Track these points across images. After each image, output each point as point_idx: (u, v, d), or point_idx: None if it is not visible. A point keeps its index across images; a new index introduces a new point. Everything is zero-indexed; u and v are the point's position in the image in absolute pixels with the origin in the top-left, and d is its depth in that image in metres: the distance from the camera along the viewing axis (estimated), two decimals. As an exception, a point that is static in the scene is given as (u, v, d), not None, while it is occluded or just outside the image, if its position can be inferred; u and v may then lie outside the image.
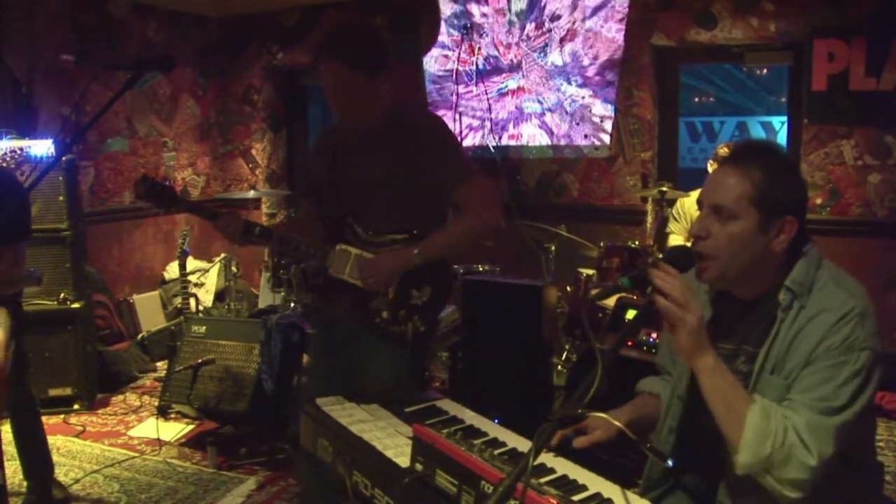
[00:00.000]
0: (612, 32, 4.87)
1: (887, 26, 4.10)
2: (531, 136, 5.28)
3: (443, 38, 5.45)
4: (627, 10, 4.79)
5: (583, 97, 5.04)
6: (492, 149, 5.27)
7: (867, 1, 4.16)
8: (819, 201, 4.44)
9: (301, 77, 6.46)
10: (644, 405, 1.81)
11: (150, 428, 3.76)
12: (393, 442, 1.65)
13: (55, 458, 3.26)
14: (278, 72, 6.35)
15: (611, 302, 3.55)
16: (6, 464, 2.78)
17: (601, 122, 5.01)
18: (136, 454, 3.56)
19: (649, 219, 4.71)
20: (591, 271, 4.26)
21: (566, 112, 5.12)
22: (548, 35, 5.10)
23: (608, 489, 1.47)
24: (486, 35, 5.31)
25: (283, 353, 3.59)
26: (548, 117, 5.20)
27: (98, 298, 4.91)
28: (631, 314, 3.29)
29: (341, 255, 2.32)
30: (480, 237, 2.36)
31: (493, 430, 1.79)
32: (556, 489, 1.41)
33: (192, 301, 4.59)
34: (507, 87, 5.32)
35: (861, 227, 4.32)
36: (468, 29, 5.31)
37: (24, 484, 3.02)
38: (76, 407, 4.11)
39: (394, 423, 1.79)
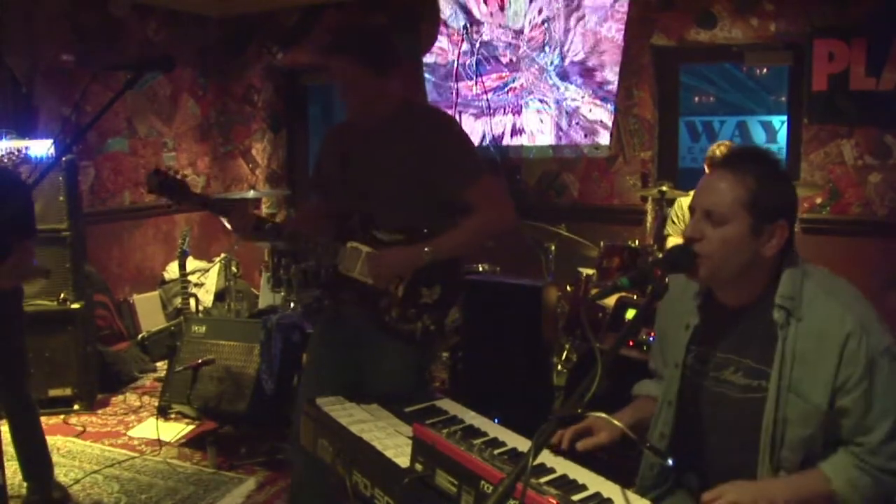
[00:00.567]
0: (612, 32, 4.87)
1: (887, 26, 4.10)
2: (531, 135, 5.28)
3: (442, 37, 5.45)
4: (627, 9, 4.79)
5: (583, 97, 5.04)
6: (492, 149, 5.27)
7: (867, 1, 4.16)
8: (819, 201, 4.44)
9: (301, 77, 6.45)
10: (643, 408, 1.81)
11: (150, 428, 3.76)
12: (393, 442, 1.65)
13: (55, 458, 3.26)
14: (278, 72, 6.35)
15: (611, 302, 3.55)
16: (6, 464, 2.78)
17: (601, 121, 5.01)
18: (136, 454, 3.56)
19: (649, 218, 4.71)
20: (591, 271, 4.26)
21: (566, 112, 5.12)
22: (547, 34, 5.10)
23: (608, 489, 1.47)
24: (486, 34, 5.31)
25: (283, 354, 3.59)
26: (547, 117, 5.20)
27: (98, 298, 4.91)
28: (631, 314, 3.29)
29: (352, 253, 2.32)
30: (492, 237, 2.35)
31: (493, 429, 1.79)
32: (555, 489, 1.41)
33: (192, 301, 4.59)
34: (506, 86, 5.32)
35: (861, 226, 4.32)
36: (468, 28, 5.31)
37: (24, 485, 3.02)
38: (76, 407, 4.11)
39: (394, 423, 1.79)
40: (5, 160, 3.83)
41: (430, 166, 2.24)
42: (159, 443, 3.62)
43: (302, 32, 5.96)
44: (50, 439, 3.20)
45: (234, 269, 5.13)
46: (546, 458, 1.59)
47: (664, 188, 4.23)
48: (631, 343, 3.06)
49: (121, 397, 4.40)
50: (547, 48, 5.12)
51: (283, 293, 4.12)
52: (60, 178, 4.04)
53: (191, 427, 3.84)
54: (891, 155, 4.24)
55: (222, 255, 5.49)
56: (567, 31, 5.02)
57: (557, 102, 5.14)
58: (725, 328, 1.63)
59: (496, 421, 1.84)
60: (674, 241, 4.27)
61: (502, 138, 5.35)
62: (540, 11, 5.10)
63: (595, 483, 1.50)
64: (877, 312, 1.53)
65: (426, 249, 2.24)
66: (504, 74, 5.31)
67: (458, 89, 5.38)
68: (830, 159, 4.39)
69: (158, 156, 5.90)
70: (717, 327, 1.64)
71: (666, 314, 1.80)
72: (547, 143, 5.23)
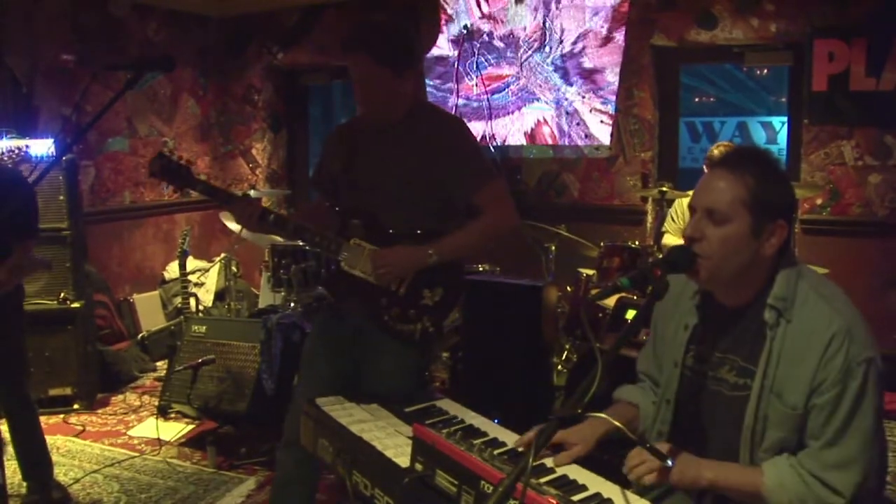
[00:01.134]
0: (613, 32, 4.87)
1: (887, 26, 4.10)
2: (531, 136, 5.27)
3: (442, 37, 5.45)
4: (627, 10, 4.79)
5: (583, 97, 5.04)
6: (492, 149, 5.27)
7: (867, 1, 4.16)
8: (819, 201, 4.44)
9: (301, 77, 6.46)
10: (622, 413, 1.80)
11: (150, 428, 3.76)
12: (393, 442, 1.65)
13: (55, 457, 3.26)
14: (278, 72, 6.35)
15: (611, 302, 3.55)
16: (6, 464, 2.78)
17: (601, 122, 5.01)
18: (136, 454, 3.56)
19: (649, 219, 4.71)
20: (591, 271, 4.26)
21: (566, 112, 5.12)
22: (548, 35, 5.10)
23: (608, 489, 1.47)
24: (486, 34, 5.31)
25: (283, 353, 3.59)
26: (548, 117, 5.20)
27: (98, 298, 4.91)
28: (631, 314, 3.29)
29: (355, 250, 2.32)
30: (496, 239, 2.35)
31: (493, 430, 1.79)
32: (555, 489, 1.42)
33: (193, 301, 4.59)
34: (506, 86, 5.32)
35: (861, 227, 4.32)
36: (468, 28, 5.31)
37: (24, 484, 3.02)
38: (76, 407, 4.11)
39: (394, 422, 1.79)
40: (5, 158, 3.83)
41: (440, 168, 2.25)
42: (159, 442, 3.62)
43: (302, 32, 5.96)
44: (50, 439, 3.20)
45: (234, 268, 5.14)
46: (546, 458, 1.60)
47: (664, 188, 4.23)
48: (631, 343, 3.06)
49: (121, 397, 4.40)
50: (547, 48, 5.12)
51: (283, 293, 4.11)
52: (61, 178, 4.05)
53: (191, 427, 3.84)
54: (891, 155, 4.24)
55: (222, 254, 5.49)
56: (567, 31, 5.02)
57: (558, 103, 5.14)
58: (723, 327, 1.63)
59: (496, 421, 1.84)
60: (670, 238, 4.28)
61: (502, 138, 5.35)
62: (540, 11, 5.10)
63: (595, 483, 1.50)
64: (869, 318, 1.53)
65: (430, 251, 2.24)
66: (504, 74, 5.31)
67: (458, 89, 5.38)
68: (831, 160, 4.39)
69: (158, 156, 5.89)
70: (715, 326, 1.65)
71: (663, 315, 1.80)
72: (547, 143, 5.23)
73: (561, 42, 5.06)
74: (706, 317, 1.67)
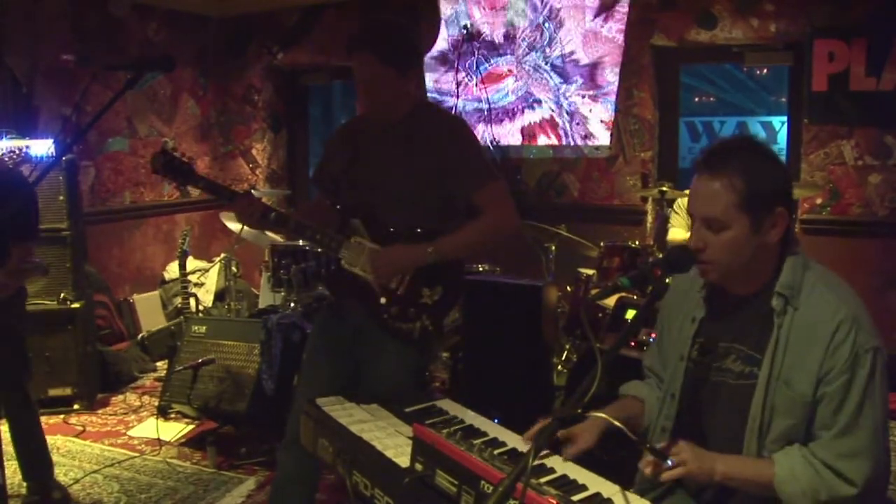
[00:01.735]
0: (613, 32, 4.87)
1: (887, 26, 4.10)
2: (531, 135, 5.27)
3: (442, 37, 5.45)
4: (628, 10, 4.79)
5: (583, 97, 5.04)
6: (492, 149, 5.27)
7: (867, 1, 4.16)
8: (819, 201, 4.44)
9: (301, 77, 6.46)
10: (628, 407, 1.81)
11: (150, 428, 3.75)
12: (393, 442, 1.65)
13: (55, 458, 3.26)
14: (278, 72, 6.35)
15: (611, 302, 3.55)
16: (6, 464, 2.78)
17: (601, 122, 5.01)
18: (136, 454, 3.56)
19: (649, 219, 4.71)
20: (591, 271, 4.26)
21: (566, 112, 5.12)
22: (548, 34, 5.10)
23: (608, 489, 1.47)
24: (487, 35, 5.31)
25: (283, 353, 3.59)
26: (548, 117, 5.20)
27: (98, 298, 4.91)
28: (631, 314, 3.29)
29: (356, 248, 2.32)
30: (495, 241, 2.36)
31: (493, 430, 1.79)
32: (555, 489, 1.41)
33: (193, 301, 4.59)
34: (506, 86, 5.32)
35: (861, 227, 4.32)
36: (468, 29, 5.31)
37: (24, 484, 3.02)
38: (76, 407, 4.11)
39: (394, 422, 1.79)
40: (6, 158, 3.83)
41: (441, 167, 2.25)
42: (159, 442, 3.62)
43: (302, 32, 5.96)
44: (50, 439, 3.20)
45: (234, 268, 5.13)
46: (546, 458, 1.60)
47: (664, 188, 4.24)
48: (632, 343, 3.06)
49: (121, 397, 4.40)
50: (547, 48, 5.12)
51: (283, 293, 4.11)
52: (61, 178, 4.04)
53: (191, 427, 3.84)
54: (891, 155, 4.24)
55: (222, 254, 5.49)
56: (567, 31, 5.02)
57: (558, 103, 5.14)
58: (729, 317, 1.64)
59: (496, 421, 1.84)
60: (677, 232, 4.28)
61: (502, 138, 5.35)
62: (540, 12, 5.10)
63: (595, 483, 1.50)
64: (871, 315, 1.54)
65: (429, 249, 2.25)
66: (504, 74, 5.31)
67: (458, 89, 5.38)
68: (830, 160, 4.39)
69: (159, 156, 5.90)
70: (721, 317, 1.66)
71: (671, 310, 1.81)
72: (547, 143, 5.23)
73: (561, 42, 5.06)
74: (713, 307, 1.68)
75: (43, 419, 3.13)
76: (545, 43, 5.12)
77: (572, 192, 5.24)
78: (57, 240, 4.03)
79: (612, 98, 4.94)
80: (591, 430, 1.66)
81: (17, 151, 3.89)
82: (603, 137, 5.02)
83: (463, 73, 5.39)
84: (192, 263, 5.36)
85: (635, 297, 3.34)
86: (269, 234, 4.29)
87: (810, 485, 1.46)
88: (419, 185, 2.28)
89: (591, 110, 5.03)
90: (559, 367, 4.28)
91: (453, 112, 5.18)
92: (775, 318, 1.53)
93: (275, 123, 6.42)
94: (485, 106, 5.33)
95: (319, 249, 3.82)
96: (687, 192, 4.25)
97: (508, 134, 5.34)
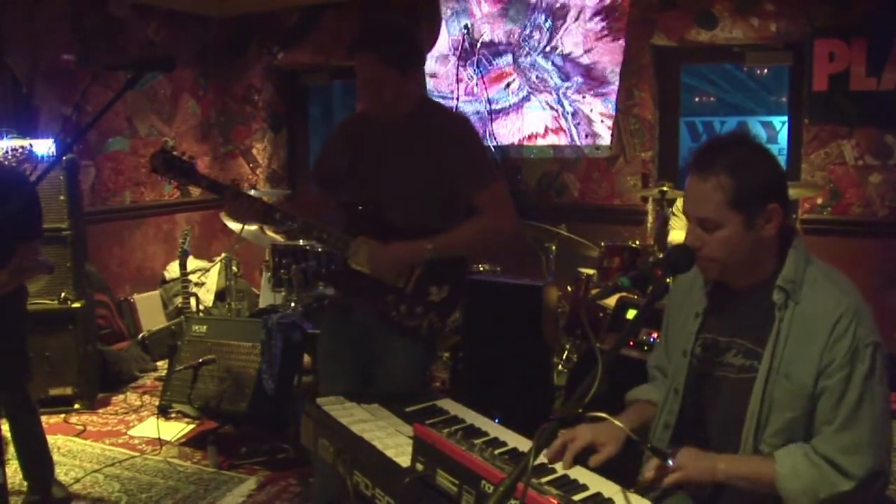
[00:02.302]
0: (613, 32, 4.86)
1: (888, 26, 4.09)
2: (531, 135, 5.27)
3: (443, 37, 5.45)
4: (628, 10, 4.79)
5: (583, 97, 5.04)
6: (492, 149, 5.27)
7: (867, 1, 4.16)
8: (819, 201, 4.44)
9: (301, 77, 6.45)
10: (645, 411, 1.81)
11: (151, 427, 3.75)
12: (393, 441, 1.65)
13: (55, 457, 3.26)
14: (279, 72, 6.34)
15: (611, 302, 3.55)
16: (6, 463, 2.78)
17: (602, 121, 5.01)
18: (137, 454, 3.56)
19: (650, 219, 4.71)
20: (591, 271, 4.26)
21: (567, 112, 5.12)
22: (548, 34, 5.10)
23: (608, 489, 1.47)
24: (487, 34, 5.31)
25: (283, 353, 3.59)
26: (548, 117, 5.19)
27: (99, 298, 4.91)
28: (631, 314, 3.29)
29: (362, 247, 2.32)
30: (494, 240, 2.36)
31: (494, 429, 1.79)
32: (556, 489, 1.42)
33: (193, 300, 4.60)
34: (507, 86, 5.31)
35: (861, 227, 4.32)
36: (468, 29, 5.31)
37: (25, 484, 3.02)
38: (77, 406, 4.11)
39: (394, 422, 1.79)
40: (9, 156, 3.83)
41: (444, 166, 2.26)
42: (160, 442, 3.62)
43: (302, 32, 5.96)
44: (50, 438, 3.20)
45: (234, 268, 5.13)
46: (547, 458, 1.59)
47: (665, 188, 4.23)
48: (631, 343, 3.06)
49: (121, 396, 4.40)
50: (548, 48, 5.12)
51: (283, 293, 4.11)
52: (61, 178, 4.05)
53: (191, 426, 3.84)
54: (891, 155, 4.24)
55: (223, 254, 5.49)
56: (568, 31, 5.02)
57: (558, 102, 5.14)
58: (731, 312, 1.65)
59: (496, 421, 1.84)
60: (676, 234, 4.28)
61: (502, 138, 5.34)
62: (541, 12, 5.10)
63: (596, 483, 1.50)
64: (872, 312, 1.54)
65: (429, 246, 2.25)
66: (505, 74, 5.30)
67: (458, 89, 5.38)
68: (831, 159, 4.39)
69: (159, 155, 5.89)
70: (723, 310, 1.66)
71: (676, 306, 1.82)
72: (547, 143, 5.23)
73: (561, 42, 5.05)
74: (715, 301, 1.69)
75: (43, 419, 3.13)
76: (545, 43, 5.12)
77: (572, 192, 5.24)
78: (57, 239, 4.03)
79: (613, 98, 4.94)
80: (616, 438, 1.65)
81: (21, 150, 3.89)
82: (603, 137, 5.01)
83: (463, 73, 5.39)
84: (192, 263, 5.36)
85: (636, 297, 3.34)
86: (270, 233, 4.29)
87: (811, 482, 1.46)
88: (421, 182, 2.29)
89: (591, 110, 5.03)
90: (559, 367, 4.28)
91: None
92: (776, 312, 1.54)
93: (275, 123, 6.42)
94: (485, 106, 5.33)
95: (321, 249, 3.84)
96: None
97: (508, 134, 5.34)
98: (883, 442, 1.49)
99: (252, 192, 4.87)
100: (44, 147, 3.95)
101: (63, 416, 4.03)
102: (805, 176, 4.42)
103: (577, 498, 1.43)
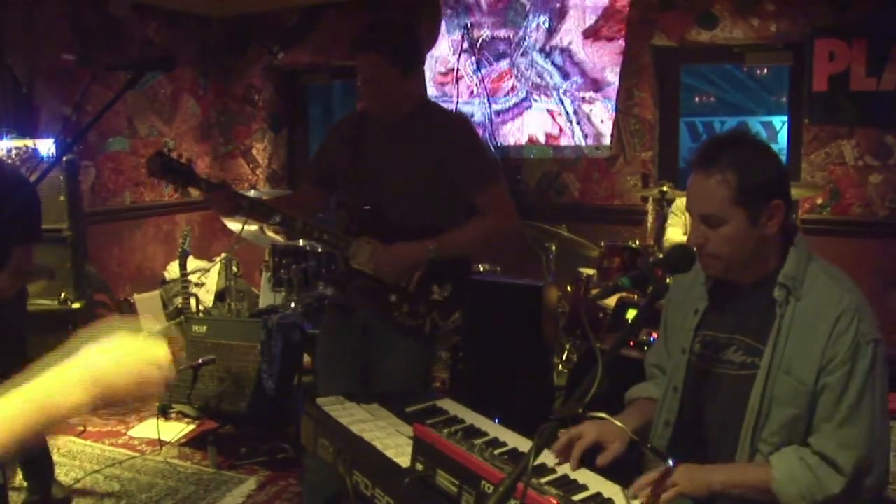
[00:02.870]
0: (613, 32, 4.86)
1: (888, 26, 4.09)
2: (531, 135, 5.27)
3: (443, 37, 5.45)
4: (628, 10, 4.79)
5: (583, 97, 5.04)
6: (492, 149, 5.26)
7: (868, 1, 4.15)
8: (819, 201, 4.44)
9: (301, 77, 6.45)
10: (645, 409, 1.81)
11: (151, 428, 3.75)
12: (393, 442, 1.65)
13: (55, 457, 3.26)
14: (279, 72, 6.34)
15: (611, 302, 3.55)
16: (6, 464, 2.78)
17: (602, 122, 5.01)
18: (137, 454, 3.56)
19: (650, 219, 4.71)
20: (591, 271, 4.26)
21: (567, 112, 5.12)
22: (548, 34, 5.10)
23: (608, 489, 1.47)
24: (487, 34, 5.31)
25: (283, 353, 3.59)
26: (548, 117, 5.19)
27: (99, 298, 4.91)
28: (632, 314, 3.29)
29: (364, 247, 2.32)
30: (495, 240, 2.37)
31: (494, 429, 1.79)
32: (556, 489, 1.41)
33: (193, 301, 4.59)
34: (507, 86, 5.31)
35: (861, 227, 4.32)
36: (468, 28, 5.31)
37: (25, 484, 3.02)
38: (77, 407, 4.10)
39: (394, 422, 1.79)
40: (12, 155, 3.83)
41: (445, 167, 2.27)
42: (160, 442, 3.62)
43: (302, 32, 5.96)
44: (50, 439, 3.20)
45: (234, 268, 5.13)
46: (547, 458, 1.59)
47: (665, 188, 4.24)
48: (631, 343, 3.06)
49: (121, 397, 4.39)
50: (548, 48, 5.12)
51: (283, 293, 4.11)
52: (61, 178, 4.04)
53: (191, 427, 3.84)
54: (891, 155, 4.24)
55: (223, 254, 5.48)
56: (568, 31, 5.02)
57: (558, 102, 5.14)
58: (731, 309, 1.65)
59: (496, 421, 1.84)
60: (674, 232, 4.28)
61: (503, 138, 5.34)
62: (541, 12, 5.10)
63: (596, 483, 1.50)
64: (873, 311, 1.54)
65: (431, 246, 2.26)
66: (505, 74, 5.30)
67: (458, 89, 5.38)
68: (831, 160, 4.39)
69: (159, 155, 5.89)
70: (724, 308, 1.67)
71: (675, 304, 1.82)
72: (547, 143, 5.23)
73: (561, 42, 5.05)
74: (716, 298, 1.69)
75: (43, 419, 3.13)
76: (545, 43, 5.12)
77: (572, 192, 5.24)
78: (57, 240, 4.02)
79: (613, 98, 4.94)
80: (622, 437, 1.65)
81: (24, 149, 3.89)
82: (603, 137, 5.01)
83: (463, 73, 5.39)
84: (192, 263, 5.35)
85: (636, 297, 3.34)
86: (270, 233, 4.29)
87: (808, 487, 1.46)
88: (421, 183, 2.29)
89: (591, 110, 5.03)
90: (559, 367, 4.28)
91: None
92: (777, 309, 1.54)
93: (275, 123, 6.42)
94: (485, 106, 5.32)
95: (321, 249, 3.83)
96: (685, 192, 4.27)
97: (509, 134, 5.34)
98: (879, 437, 1.49)
99: (252, 193, 4.90)
100: (44, 147, 3.95)
101: (63, 416, 4.03)
102: (805, 176, 4.42)
103: (577, 498, 1.43)
